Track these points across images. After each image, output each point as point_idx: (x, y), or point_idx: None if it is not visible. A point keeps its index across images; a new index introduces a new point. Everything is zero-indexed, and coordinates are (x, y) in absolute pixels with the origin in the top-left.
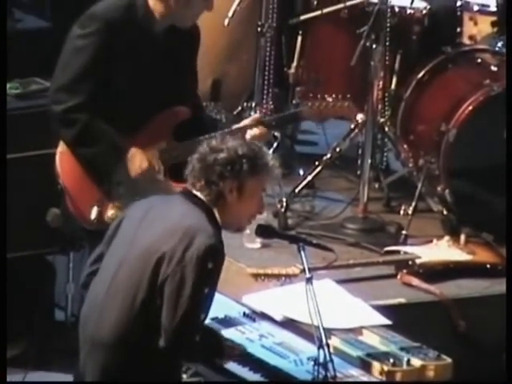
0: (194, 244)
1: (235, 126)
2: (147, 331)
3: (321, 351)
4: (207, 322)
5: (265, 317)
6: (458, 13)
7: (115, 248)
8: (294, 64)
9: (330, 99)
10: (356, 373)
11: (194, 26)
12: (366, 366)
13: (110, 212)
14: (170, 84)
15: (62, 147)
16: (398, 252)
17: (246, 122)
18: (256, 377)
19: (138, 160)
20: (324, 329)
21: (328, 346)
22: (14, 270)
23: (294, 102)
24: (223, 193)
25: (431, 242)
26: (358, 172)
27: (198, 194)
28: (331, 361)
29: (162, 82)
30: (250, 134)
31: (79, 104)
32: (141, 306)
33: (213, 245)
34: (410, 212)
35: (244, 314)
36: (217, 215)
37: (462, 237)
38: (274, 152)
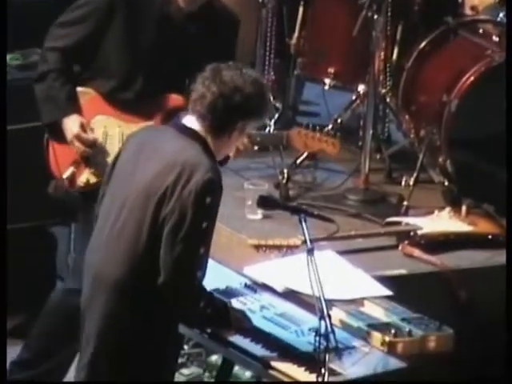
0: (192, 180)
1: None
2: (152, 272)
3: (322, 322)
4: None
5: (266, 288)
6: None
7: (115, 189)
8: (296, 35)
9: (318, 133)
10: (357, 344)
11: (227, 15)
12: (367, 337)
13: (84, 176)
14: (174, 71)
15: None
16: (399, 223)
17: None
18: (257, 347)
19: (69, 124)
20: (325, 300)
21: (329, 316)
22: (16, 241)
23: (295, 72)
24: (224, 129)
25: (432, 213)
26: (360, 143)
27: (194, 121)
28: (332, 332)
29: (166, 65)
30: None
31: (62, 48)
32: (145, 246)
33: (210, 179)
34: (411, 183)
35: (245, 284)
36: (210, 144)
37: (464, 208)
38: (275, 123)
